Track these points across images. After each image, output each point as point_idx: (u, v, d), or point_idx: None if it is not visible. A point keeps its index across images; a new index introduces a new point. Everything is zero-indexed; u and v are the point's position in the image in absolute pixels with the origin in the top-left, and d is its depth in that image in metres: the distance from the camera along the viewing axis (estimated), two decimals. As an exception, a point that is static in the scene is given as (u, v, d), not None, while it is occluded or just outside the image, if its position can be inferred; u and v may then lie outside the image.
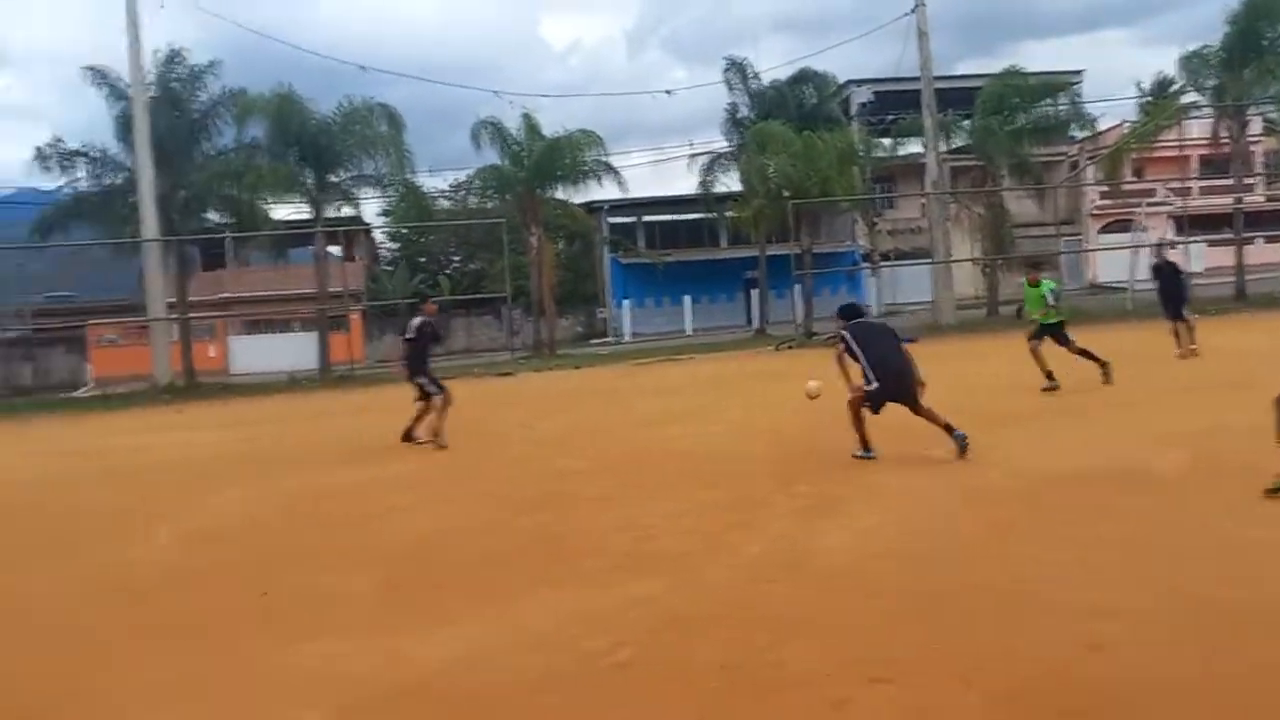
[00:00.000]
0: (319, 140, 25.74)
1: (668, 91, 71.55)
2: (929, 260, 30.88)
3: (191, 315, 29.09)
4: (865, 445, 8.64)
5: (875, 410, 8.55)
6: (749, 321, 40.41)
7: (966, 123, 32.94)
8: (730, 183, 33.07)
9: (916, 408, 8.44)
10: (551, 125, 35.25)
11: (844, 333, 8.59)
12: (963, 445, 8.15)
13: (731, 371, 20.34)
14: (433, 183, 40.85)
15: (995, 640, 4.38)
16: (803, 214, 29.79)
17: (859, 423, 8.60)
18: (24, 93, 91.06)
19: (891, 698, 3.84)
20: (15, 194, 30.80)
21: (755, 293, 36.84)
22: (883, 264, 41.44)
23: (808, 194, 28.92)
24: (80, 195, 26.28)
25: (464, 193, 32.12)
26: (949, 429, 8.24)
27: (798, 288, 31.42)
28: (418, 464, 10.46)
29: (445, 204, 39.70)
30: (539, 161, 29.11)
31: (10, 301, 37.95)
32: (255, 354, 37.54)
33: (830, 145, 29.07)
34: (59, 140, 25.61)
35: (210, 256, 40.62)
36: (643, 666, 4.40)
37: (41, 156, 25.27)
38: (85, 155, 25.83)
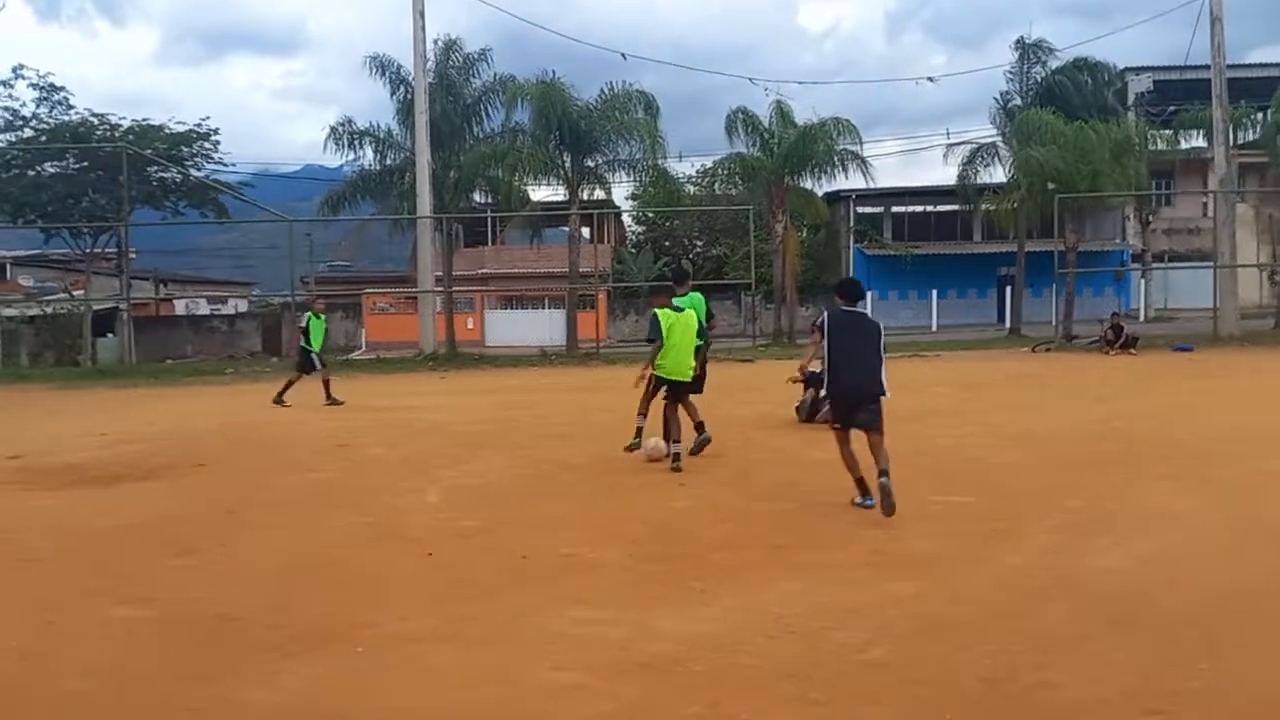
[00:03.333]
0: (578, 125, 26.68)
1: (930, 79, 68.42)
2: (1210, 264, 28.18)
3: (455, 289, 30.94)
4: (862, 491, 7.24)
5: (843, 425, 7.26)
6: (1000, 320, 38.45)
7: (1259, 115, 29.82)
8: (988, 174, 31.51)
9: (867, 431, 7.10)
10: (802, 112, 34.96)
11: (824, 320, 7.32)
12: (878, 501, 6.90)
13: (984, 372, 19.42)
14: (681, 168, 41.26)
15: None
16: (1068, 209, 27.96)
17: (849, 461, 7.28)
18: (315, 78, 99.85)
19: (1176, 735, 3.55)
20: (303, 170, 33.53)
21: (1009, 290, 34.99)
22: (1155, 265, 38.24)
23: (1075, 188, 27.10)
24: (364, 173, 28.56)
25: (711, 179, 32.26)
26: (878, 477, 6.89)
27: (1056, 287, 29.56)
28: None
29: (692, 189, 40.15)
30: (789, 150, 28.87)
31: (297, 271, 41.86)
32: (509, 328, 39.53)
33: (1105, 136, 27.08)
34: (350, 121, 27.96)
35: (473, 234, 43.09)
36: (898, 668, 4.28)
37: (335, 135, 27.68)
38: (372, 135, 28.05)
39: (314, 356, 16.09)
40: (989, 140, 31.20)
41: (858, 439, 7.18)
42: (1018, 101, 30.74)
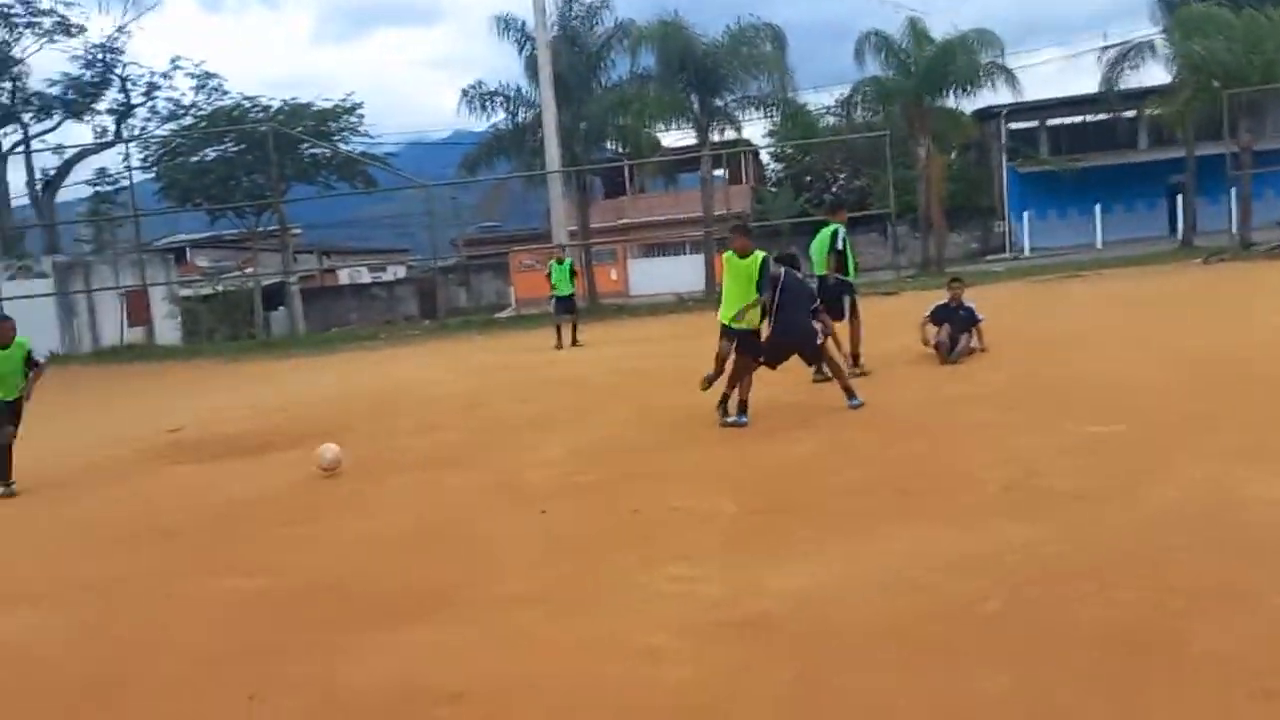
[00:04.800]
0: (704, 65, 26.10)
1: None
2: None
3: (591, 242, 31.03)
4: (742, 407, 8.38)
5: (768, 360, 8.59)
6: (1172, 232, 35.77)
7: None
8: (1143, 77, 29.10)
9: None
10: (941, 30, 33.06)
11: (780, 274, 8.41)
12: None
13: (1147, 289, 18.07)
14: (819, 99, 39.90)
15: None
16: (1240, 106, 25.52)
17: (746, 386, 8.44)
18: (458, 44, 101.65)
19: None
20: (452, 135, 34.13)
21: (1180, 199, 32.47)
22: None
23: (1247, 82, 24.69)
24: (499, 132, 28.87)
25: (847, 108, 31.03)
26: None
27: (1234, 191, 27.18)
28: (785, 387, 10.21)
29: (831, 121, 38.83)
30: (927, 69, 27.40)
31: (446, 233, 42.92)
32: (652, 276, 39.48)
33: (1278, 23, 24.52)
34: (480, 83, 28.27)
35: (613, 185, 43.13)
36: (1017, 621, 3.96)
37: (467, 98, 28.08)
38: (502, 95, 28.30)
39: (562, 300, 17.57)
40: (1145, 39, 28.77)
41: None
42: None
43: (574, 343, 17.46)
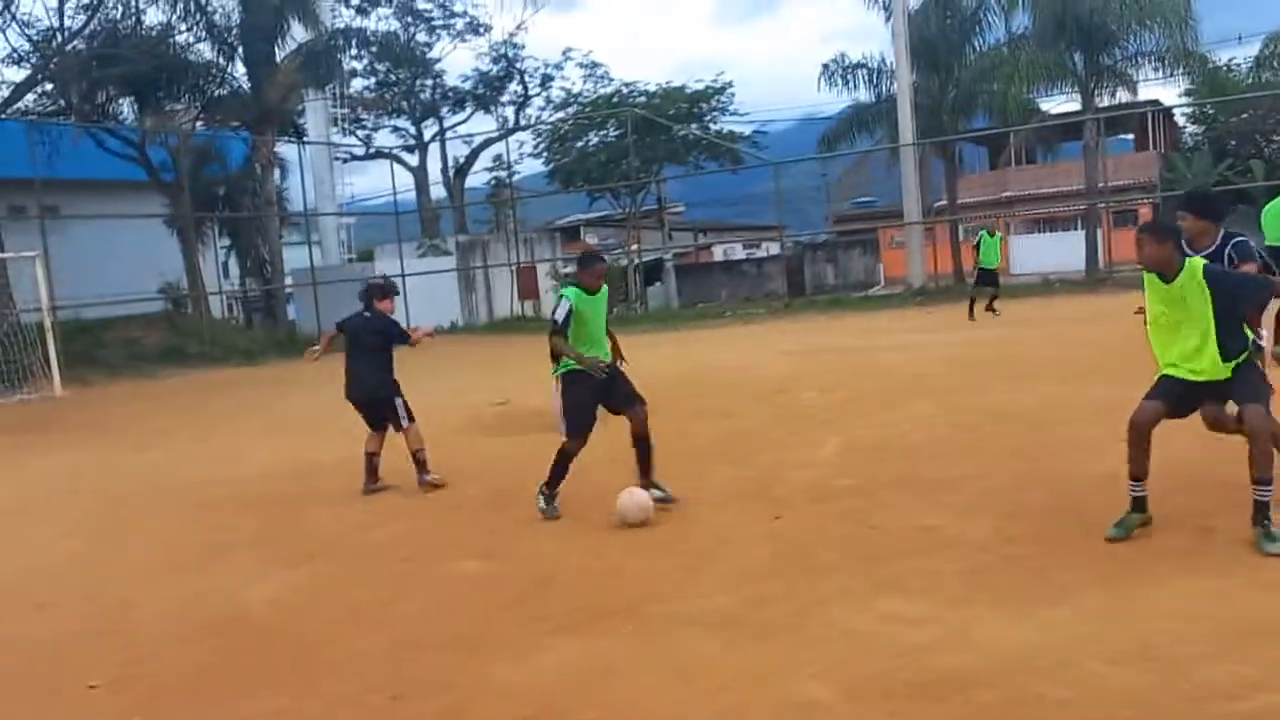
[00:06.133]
0: (1089, 19, 23.37)
1: None
2: None
3: (949, 219, 29.19)
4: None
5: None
6: None
7: None
8: None
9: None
10: None
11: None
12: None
13: None
14: (1246, 51, 34.32)
15: None
16: None
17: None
18: (855, 17, 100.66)
19: None
20: (846, 109, 32.89)
21: None
22: None
23: None
24: (860, 106, 27.99)
25: (1256, 65, 26.42)
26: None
27: None
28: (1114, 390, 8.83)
29: (1267, 75, 33.35)
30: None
31: (815, 209, 42.61)
32: (1037, 253, 36.45)
33: None
34: (843, 56, 27.50)
35: (998, 157, 40.42)
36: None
37: (828, 73, 27.46)
38: (865, 67, 27.35)
39: (988, 273, 17.62)
40: None
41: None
42: None
43: (989, 309, 17.45)
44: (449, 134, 37.88)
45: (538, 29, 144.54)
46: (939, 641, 3.97)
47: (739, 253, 52.42)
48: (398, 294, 8.12)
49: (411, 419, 7.52)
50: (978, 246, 17.91)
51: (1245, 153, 40.37)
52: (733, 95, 35.52)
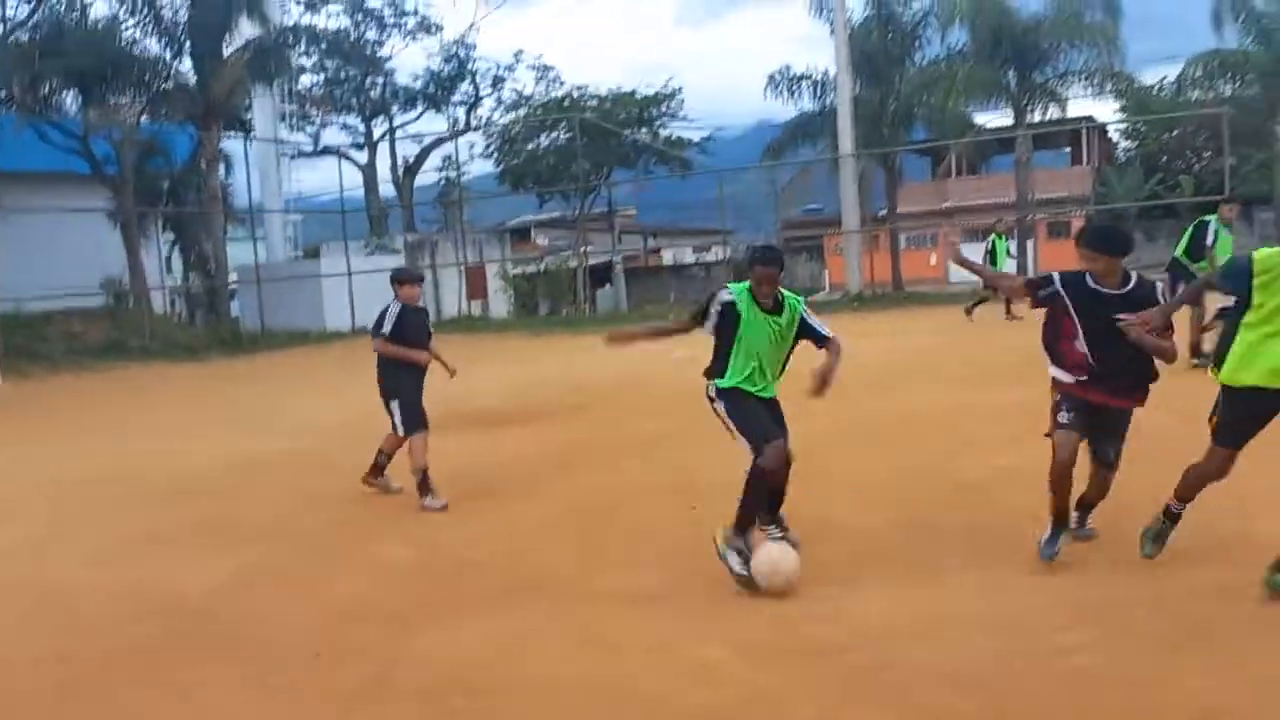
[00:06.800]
0: (1023, 39, 24.25)
1: None
2: None
3: (888, 226, 29.93)
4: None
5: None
6: None
7: None
8: None
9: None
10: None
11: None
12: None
13: None
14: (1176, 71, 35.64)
15: None
16: None
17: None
18: (808, 24, 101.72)
19: None
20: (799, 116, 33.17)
21: None
22: None
23: None
24: (805, 115, 28.59)
25: (1178, 85, 27.53)
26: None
27: None
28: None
29: (1195, 94, 34.65)
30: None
31: (766, 216, 43.23)
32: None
33: None
34: (787, 67, 28.10)
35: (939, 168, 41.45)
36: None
37: (773, 83, 28.02)
38: (809, 78, 27.96)
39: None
40: None
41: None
42: None
43: (970, 311, 17.65)
44: (399, 133, 37.95)
45: (490, 29, 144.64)
46: (824, 615, 4.40)
47: (689, 256, 53.01)
48: (412, 280, 7.32)
49: (409, 429, 6.85)
50: (991, 250, 17.69)
51: (1175, 169, 41.85)
52: (682, 101, 36.08)
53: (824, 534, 5.59)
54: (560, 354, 18.07)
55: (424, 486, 6.82)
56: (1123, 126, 41.63)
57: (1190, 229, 10.63)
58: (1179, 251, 10.60)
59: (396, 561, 5.74)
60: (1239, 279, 4.29)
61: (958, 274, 37.10)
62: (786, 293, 5.11)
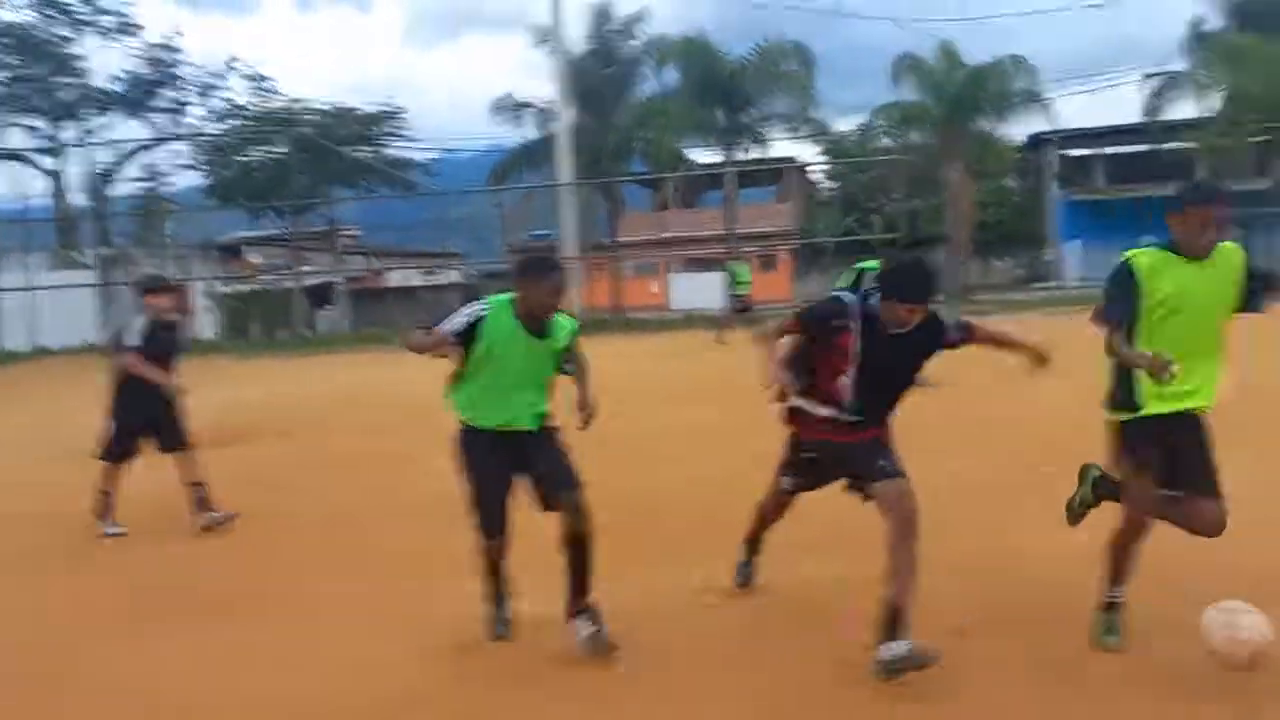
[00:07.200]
0: (729, 82, 26.13)
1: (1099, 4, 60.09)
2: None
3: (608, 255, 31.16)
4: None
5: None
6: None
7: None
8: (1182, 110, 28.30)
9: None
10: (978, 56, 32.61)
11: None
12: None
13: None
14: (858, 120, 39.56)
15: None
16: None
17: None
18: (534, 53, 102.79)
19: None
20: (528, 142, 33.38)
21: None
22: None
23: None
24: (528, 144, 29.22)
25: (863, 132, 30.81)
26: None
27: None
28: (721, 411, 10.12)
29: (887, 140, 38.46)
30: (958, 94, 27.04)
31: (490, 240, 43.47)
32: (692, 291, 39.31)
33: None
34: (509, 94, 28.63)
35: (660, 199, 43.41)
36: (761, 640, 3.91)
37: (497, 109, 28.45)
38: (531, 106, 28.62)
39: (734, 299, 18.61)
40: (1183, 71, 27.97)
41: None
42: (1213, 24, 27.35)
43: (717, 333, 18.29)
44: (95, 138, 34.93)
45: (201, 33, 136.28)
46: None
47: (417, 279, 52.16)
48: (164, 290, 6.88)
49: (108, 455, 6.54)
50: (734, 276, 18.84)
51: (869, 208, 46.13)
52: (405, 121, 35.62)
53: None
54: (256, 378, 17.49)
55: (104, 509, 6.55)
56: (826, 167, 45.42)
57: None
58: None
59: (92, 588, 5.44)
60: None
61: (676, 301, 39.10)
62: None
